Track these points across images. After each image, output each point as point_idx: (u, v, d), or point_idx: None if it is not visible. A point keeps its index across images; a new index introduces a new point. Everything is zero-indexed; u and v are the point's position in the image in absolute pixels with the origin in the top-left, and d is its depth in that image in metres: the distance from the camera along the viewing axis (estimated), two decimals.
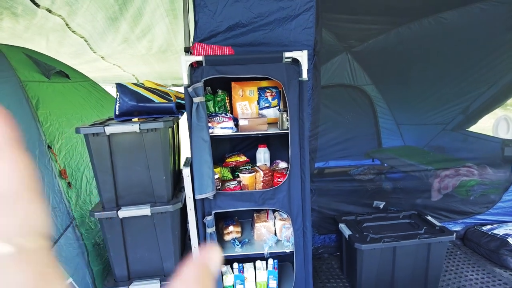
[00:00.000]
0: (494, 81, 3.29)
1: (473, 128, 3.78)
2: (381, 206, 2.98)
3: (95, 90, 3.11)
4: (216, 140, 2.35)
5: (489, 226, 2.85)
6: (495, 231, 2.72)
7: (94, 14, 2.90)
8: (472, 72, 3.42)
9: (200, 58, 1.75)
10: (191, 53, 1.94)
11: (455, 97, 3.64)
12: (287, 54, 1.76)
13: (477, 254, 2.73)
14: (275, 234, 2.19)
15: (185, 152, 2.30)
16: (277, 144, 2.36)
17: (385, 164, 3.68)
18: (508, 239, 2.56)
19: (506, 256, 2.50)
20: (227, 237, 2.19)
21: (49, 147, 2.11)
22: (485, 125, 3.90)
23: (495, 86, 3.33)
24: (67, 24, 3.02)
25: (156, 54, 4.03)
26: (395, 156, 3.84)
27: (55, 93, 2.49)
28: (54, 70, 2.62)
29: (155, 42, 3.68)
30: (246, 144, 2.42)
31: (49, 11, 2.71)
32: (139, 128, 1.63)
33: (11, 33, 3.13)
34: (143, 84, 1.98)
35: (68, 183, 2.12)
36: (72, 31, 3.17)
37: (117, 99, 1.80)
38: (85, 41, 3.42)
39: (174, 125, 2.04)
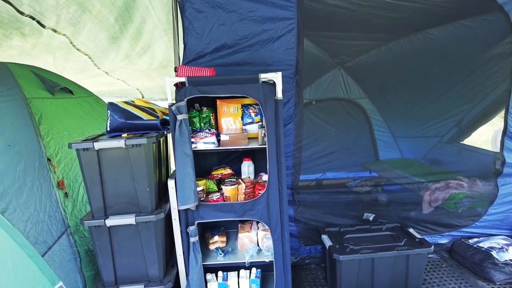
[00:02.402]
0: (484, 94, 3.34)
1: (467, 141, 3.82)
2: (371, 218, 3.03)
3: (98, 105, 3.29)
4: (204, 154, 2.49)
5: (475, 239, 2.89)
6: (481, 244, 2.75)
7: (96, 34, 3.10)
8: (462, 85, 3.49)
9: (183, 79, 1.90)
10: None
11: (448, 110, 3.70)
12: (263, 76, 1.90)
13: (463, 267, 2.76)
14: (258, 244, 2.29)
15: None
16: (262, 158, 2.47)
17: (384, 177, 3.73)
18: (491, 252, 2.59)
19: (489, 269, 2.53)
20: (211, 246, 2.30)
21: (48, 159, 2.28)
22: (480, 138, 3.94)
23: (486, 99, 3.38)
24: (71, 42, 3.23)
25: (157, 69, 4.23)
26: (390, 169, 3.89)
27: (58, 108, 2.67)
28: (58, 86, 2.81)
29: (155, 58, 3.88)
30: (233, 157, 2.55)
31: (54, 31, 2.92)
32: (125, 144, 1.78)
33: (20, 51, 3.36)
34: (133, 102, 2.14)
35: (65, 193, 2.28)
36: (77, 49, 3.39)
37: (108, 116, 1.96)
38: (89, 58, 3.64)
39: (162, 140, 2.19)
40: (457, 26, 3.09)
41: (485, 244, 2.73)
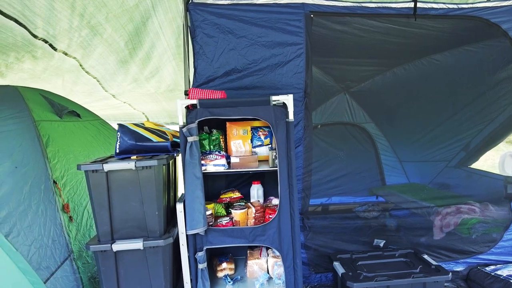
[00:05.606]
0: (491, 118, 3.32)
1: (475, 166, 3.77)
2: (381, 245, 2.94)
3: (104, 128, 3.29)
4: (212, 177, 2.45)
5: (492, 267, 2.78)
6: (499, 272, 2.64)
7: (106, 57, 3.16)
8: (469, 109, 3.48)
9: (194, 101, 1.90)
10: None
11: (455, 134, 3.68)
12: (274, 98, 1.90)
13: None
14: (268, 271, 2.20)
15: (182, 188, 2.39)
16: (271, 181, 2.42)
17: (391, 202, 3.66)
18: (511, 281, 2.48)
19: None
20: (220, 274, 2.21)
21: (54, 182, 2.25)
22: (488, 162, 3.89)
23: (493, 123, 3.36)
24: (81, 65, 3.28)
25: (165, 92, 4.27)
26: (397, 193, 3.82)
27: (65, 131, 2.67)
28: (66, 110, 2.82)
29: (163, 82, 3.93)
30: (241, 180, 2.51)
31: (65, 54, 2.97)
32: (135, 166, 1.75)
33: (31, 74, 3.41)
34: (143, 124, 2.13)
35: (70, 217, 2.23)
36: (86, 72, 3.43)
37: (118, 138, 1.94)
38: (97, 81, 3.68)
39: (171, 162, 2.16)
40: (462, 51, 3.14)
41: (503, 272, 2.62)
